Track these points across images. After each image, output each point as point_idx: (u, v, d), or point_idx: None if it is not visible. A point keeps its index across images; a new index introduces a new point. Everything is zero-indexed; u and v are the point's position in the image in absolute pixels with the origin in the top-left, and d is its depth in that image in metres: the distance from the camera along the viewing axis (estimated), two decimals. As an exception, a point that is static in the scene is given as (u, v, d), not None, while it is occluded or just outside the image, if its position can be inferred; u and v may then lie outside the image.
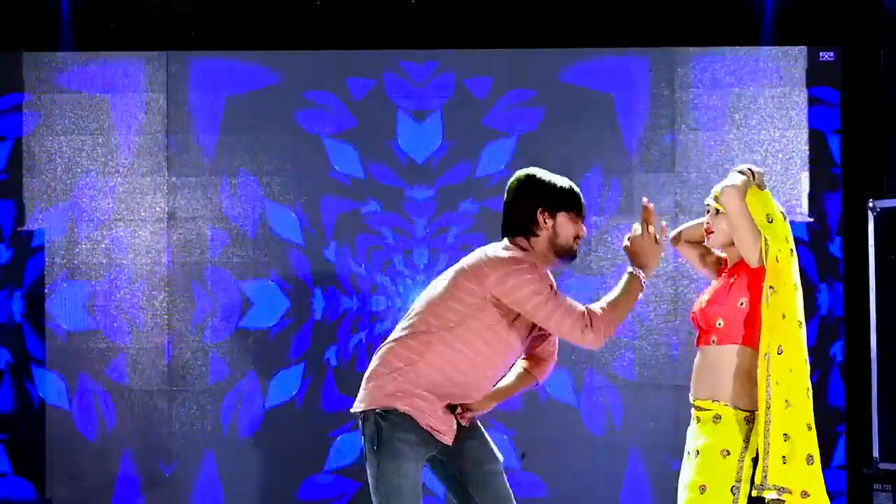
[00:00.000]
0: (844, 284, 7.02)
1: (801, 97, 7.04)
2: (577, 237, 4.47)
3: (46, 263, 6.90)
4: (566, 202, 4.46)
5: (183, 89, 6.94)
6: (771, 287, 4.29)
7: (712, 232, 4.46)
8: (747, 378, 4.34)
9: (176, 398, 6.83)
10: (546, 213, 4.44)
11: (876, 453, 6.40)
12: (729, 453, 4.33)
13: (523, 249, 4.47)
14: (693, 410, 4.47)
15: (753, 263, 4.33)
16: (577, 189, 4.46)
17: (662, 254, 4.40)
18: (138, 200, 6.90)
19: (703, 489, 4.33)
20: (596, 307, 4.33)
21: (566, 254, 4.48)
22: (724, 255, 4.53)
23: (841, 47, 7.05)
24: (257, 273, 6.82)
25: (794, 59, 7.02)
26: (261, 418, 6.79)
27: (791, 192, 7.02)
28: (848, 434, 6.96)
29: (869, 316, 6.48)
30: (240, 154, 6.93)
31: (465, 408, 4.50)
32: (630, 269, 4.42)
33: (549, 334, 4.57)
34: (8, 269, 6.87)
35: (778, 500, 4.29)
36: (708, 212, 4.48)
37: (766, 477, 4.28)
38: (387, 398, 4.37)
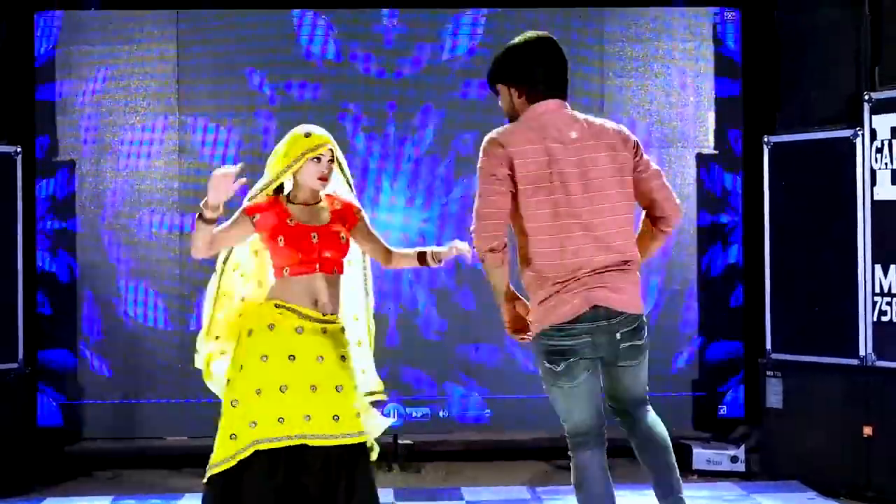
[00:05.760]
0: (744, 205, 7.40)
1: (708, 50, 7.36)
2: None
3: (77, 188, 7.20)
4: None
5: (191, 41, 7.21)
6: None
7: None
8: None
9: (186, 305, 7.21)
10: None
11: (769, 346, 6.74)
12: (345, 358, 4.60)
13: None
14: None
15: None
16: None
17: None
18: (152, 135, 7.21)
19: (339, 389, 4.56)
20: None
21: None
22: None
23: (740, 9, 7.37)
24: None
25: (703, 16, 7.34)
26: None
27: (700, 129, 7.41)
28: (744, 332, 7.38)
29: (763, 231, 6.76)
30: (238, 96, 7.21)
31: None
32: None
33: (649, 179, 4.43)
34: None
35: None
36: (329, 160, 4.58)
37: None
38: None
